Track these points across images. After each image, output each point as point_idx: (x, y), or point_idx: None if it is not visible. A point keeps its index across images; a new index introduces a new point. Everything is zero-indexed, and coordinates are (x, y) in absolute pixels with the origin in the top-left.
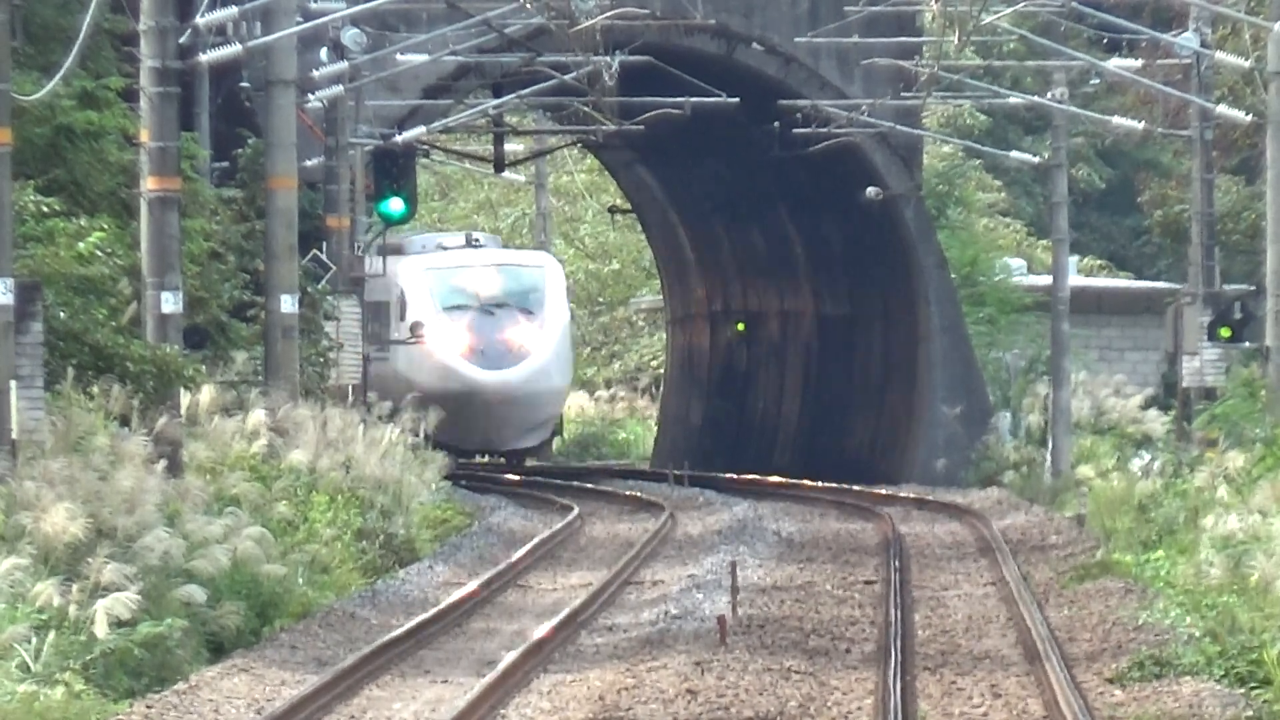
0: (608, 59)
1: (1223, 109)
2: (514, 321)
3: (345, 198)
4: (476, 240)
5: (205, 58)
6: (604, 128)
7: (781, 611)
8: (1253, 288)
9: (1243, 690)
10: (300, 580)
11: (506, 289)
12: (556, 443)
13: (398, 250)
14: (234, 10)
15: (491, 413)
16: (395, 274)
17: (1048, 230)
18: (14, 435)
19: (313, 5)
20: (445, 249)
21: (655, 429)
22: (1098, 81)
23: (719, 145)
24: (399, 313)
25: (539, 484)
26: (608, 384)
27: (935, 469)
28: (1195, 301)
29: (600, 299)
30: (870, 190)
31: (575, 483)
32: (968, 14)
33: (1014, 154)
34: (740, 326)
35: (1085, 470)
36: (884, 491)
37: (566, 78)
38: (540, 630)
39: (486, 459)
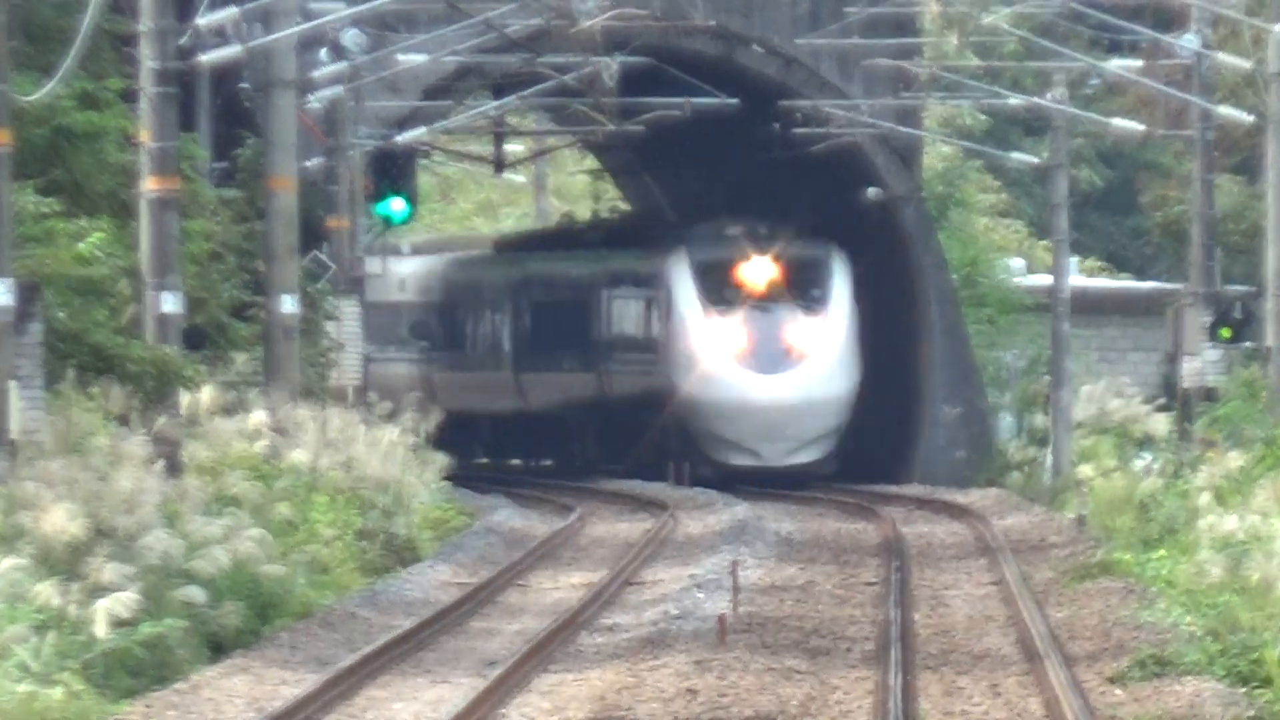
0: (608, 60)
1: (1224, 110)
2: (792, 319)
3: (345, 199)
4: (757, 229)
5: (205, 59)
6: (604, 129)
7: (782, 611)
8: (1253, 288)
9: (1243, 690)
10: (300, 580)
11: (785, 282)
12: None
13: (678, 240)
14: (234, 11)
15: (765, 422)
16: (664, 268)
17: (1048, 231)
18: (14, 435)
19: (313, 6)
20: (733, 236)
21: None
22: (1098, 82)
23: (719, 146)
24: (665, 311)
25: (538, 484)
26: None
27: (936, 469)
28: (1196, 302)
29: None
30: (870, 191)
31: (576, 483)
32: (967, 15)
33: (1014, 155)
34: None
35: (1086, 470)
36: (884, 491)
37: (567, 78)
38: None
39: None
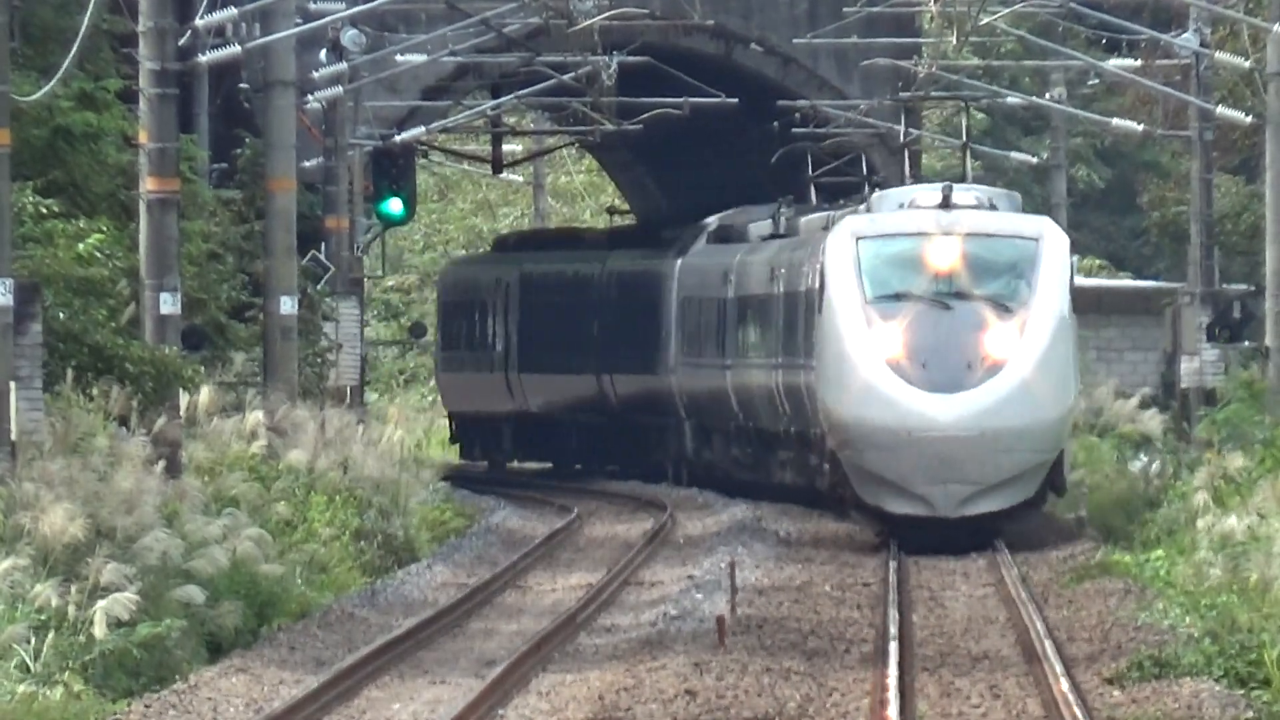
0: (606, 59)
1: (1222, 109)
2: (981, 319)
3: (344, 199)
4: (950, 198)
5: (204, 59)
6: (603, 128)
7: (780, 612)
8: (1252, 288)
9: (1242, 691)
10: (299, 580)
11: (975, 270)
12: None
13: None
14: (233, 11)
15: (936, 457)
16: (820, 247)
17: None
18: (13, 436)
19: (312, 6)
20: (918, 208)
21: None
22: (1096, 82)
23: (718, 146)
24: (816, 303)
25: (537, 485)
26: None
27: None
28: (1194, 301)
29: None
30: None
31: (574, 483)
32: (966, 14)
33: (1014, 155)
34: None
35: (1084, 471)
36: None
37: (565, 78)
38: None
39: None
